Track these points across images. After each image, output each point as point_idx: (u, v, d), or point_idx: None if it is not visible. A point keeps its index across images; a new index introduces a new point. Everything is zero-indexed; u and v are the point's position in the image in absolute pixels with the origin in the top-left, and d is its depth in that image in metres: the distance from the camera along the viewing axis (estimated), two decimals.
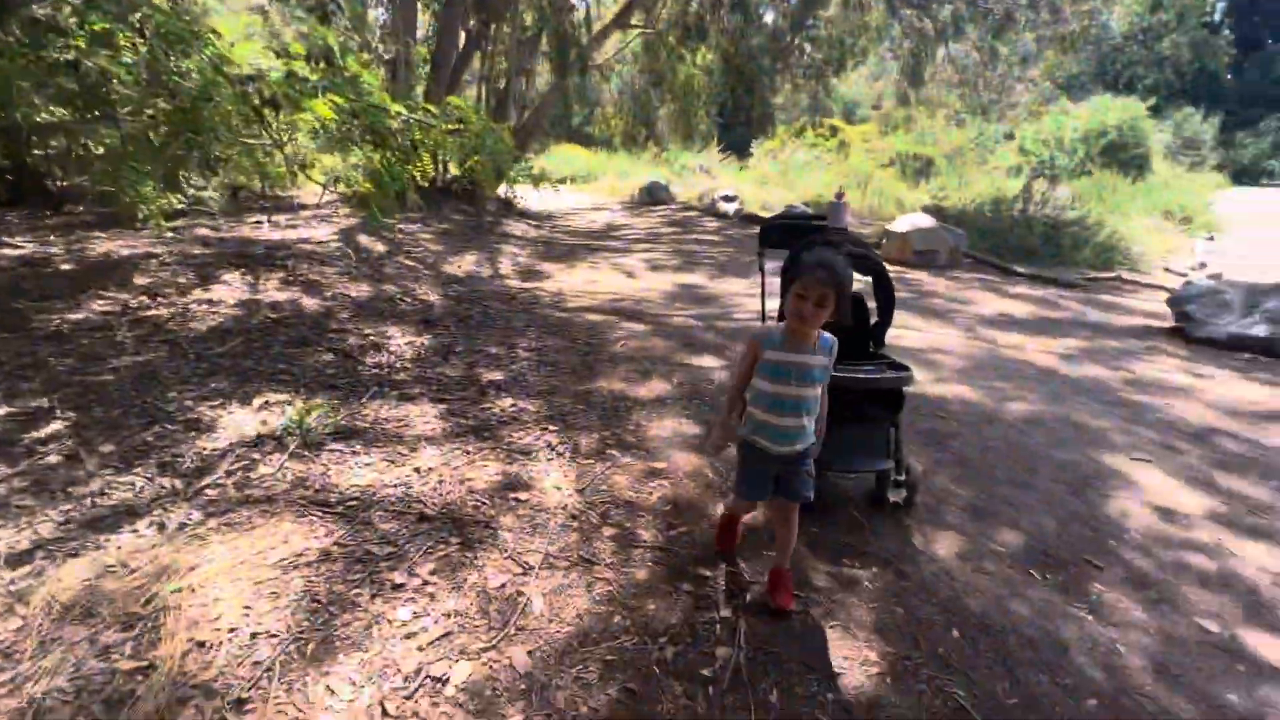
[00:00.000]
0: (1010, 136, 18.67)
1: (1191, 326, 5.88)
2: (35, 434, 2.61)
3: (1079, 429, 3.76)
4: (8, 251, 4.85)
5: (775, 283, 2.90)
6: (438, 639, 1.87)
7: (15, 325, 3.53)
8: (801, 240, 2.82)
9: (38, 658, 1.64)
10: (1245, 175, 34.07)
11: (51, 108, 4.61)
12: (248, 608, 1.89)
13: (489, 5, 9.04)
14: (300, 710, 1.60)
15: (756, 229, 4.23)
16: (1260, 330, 5.54)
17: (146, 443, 2.68)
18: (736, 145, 20.08)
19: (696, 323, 5.48)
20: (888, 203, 12.98)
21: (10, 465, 2.41)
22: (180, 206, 7.11)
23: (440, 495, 2.60)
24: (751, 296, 6.34)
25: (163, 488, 2.42)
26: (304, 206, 8.41)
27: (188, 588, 1.92)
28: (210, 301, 4.28)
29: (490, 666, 1.80)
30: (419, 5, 9.73)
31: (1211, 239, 12.76)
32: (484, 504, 2.58)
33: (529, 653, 1.86)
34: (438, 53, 8.38)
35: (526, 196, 11.58)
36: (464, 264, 6.89)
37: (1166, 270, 9.73)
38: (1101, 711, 1.79)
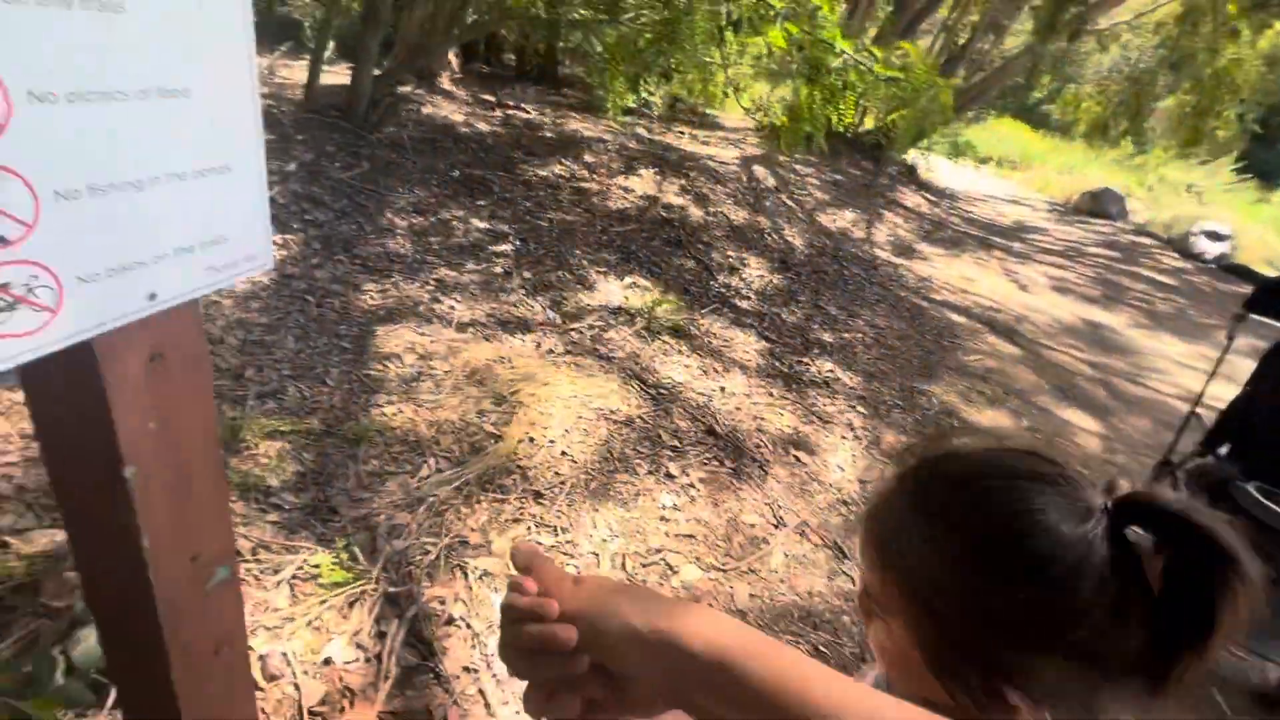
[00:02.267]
0: None
1: None
2: (494, 248, 3.57)
3: None
4: (520, 115, 6.50)
5: (1242, 365, 2.11)
6: (683, 535, 2.05)
7: (508, 168, 4.78)
8: None
9: (447, 396, 2.34)
10: None
11: (580, 10, 5.86)
12: (566, 430, 2.34)
13: None
14: (569, 525, 1.95)
15: (1245, 287, 3.05)
16: None
17: (550, 281, 3.43)
18: (1266, 168, 14.47)
19: (1086, 368, 4.39)
20: None
21: (476, 264, 3.36)
22: (633, 105, 8.51)
23: (732, 420, 2.74)
24: (1187, 367, 4.76)
25: (549, 318, 3.09)
26: (721, 127, 9.18)
27: (537, 396, 2.46)
28: (625, 189, 5.08)
29: (715, 584, 1.90)
30: None
31: None
32: (766, 447, 2.63)
33: (750, 595, 1.90)
34: None
35: (934, 168, 10.50)
36: (840, 220, 6.71)
37: None
38: None
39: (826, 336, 3.88)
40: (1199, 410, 2.33)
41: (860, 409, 3.14)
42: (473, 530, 1.82)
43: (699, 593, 1.86)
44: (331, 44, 5.38)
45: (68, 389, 0.59)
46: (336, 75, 5.60)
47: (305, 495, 1.76)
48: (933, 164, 10.34)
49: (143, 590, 0.74)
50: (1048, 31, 7.46)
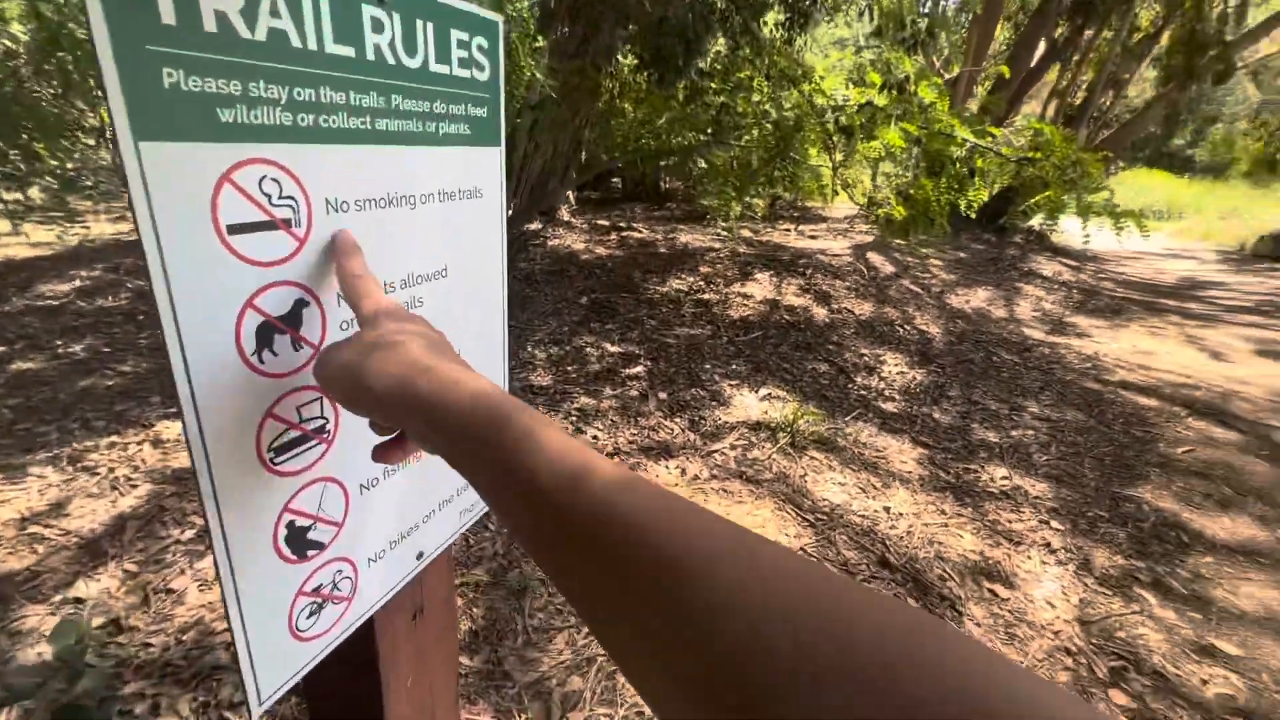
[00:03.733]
0: None
1: None
2: (627, 371, 3.64)
3: None
4: (634, 235, 6.90)
5: None
6: None
7: (630, 289, 4.99)
8: None
9: None
10: None
11: (685, 134, 6.29)
12: None
13: (1093, 7, 7.68)
14: None
15: None
16: None
17: (685, 400, 3.41)
18: None
19: None
20: None
21: (612, 388, 3.43)
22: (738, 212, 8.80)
23: (906, 547, 2.45)
24: None
25: (688, 440, 3.04)
26: (824, 218, 9.19)
27: None
28: (744, 295, 5.11)
29: None
30: (1000, 19, 9.06)
31: None
32: (953, 579, 2.31)
33: None
34: (1011, 67, 7.67)
35: (1066, 231, 9.73)
36: (973, 299, 6.28)
37: None
38: None
39: (991, 436, 3.48)
40: None
41: (1055, 524, 2.71)
42: None
43: None
44: None
45: (342, 662, 0.59)
46: None
47: (479, 657, 1.73)
48: (1062, 228, 9.61)
49: None
50: (1186, 78, 6.91)
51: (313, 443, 0.44)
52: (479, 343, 0.62)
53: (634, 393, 3.41)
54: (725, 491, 2.66)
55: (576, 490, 0.27)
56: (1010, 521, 2.70)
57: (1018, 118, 10.31)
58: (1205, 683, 1.95)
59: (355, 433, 0.48)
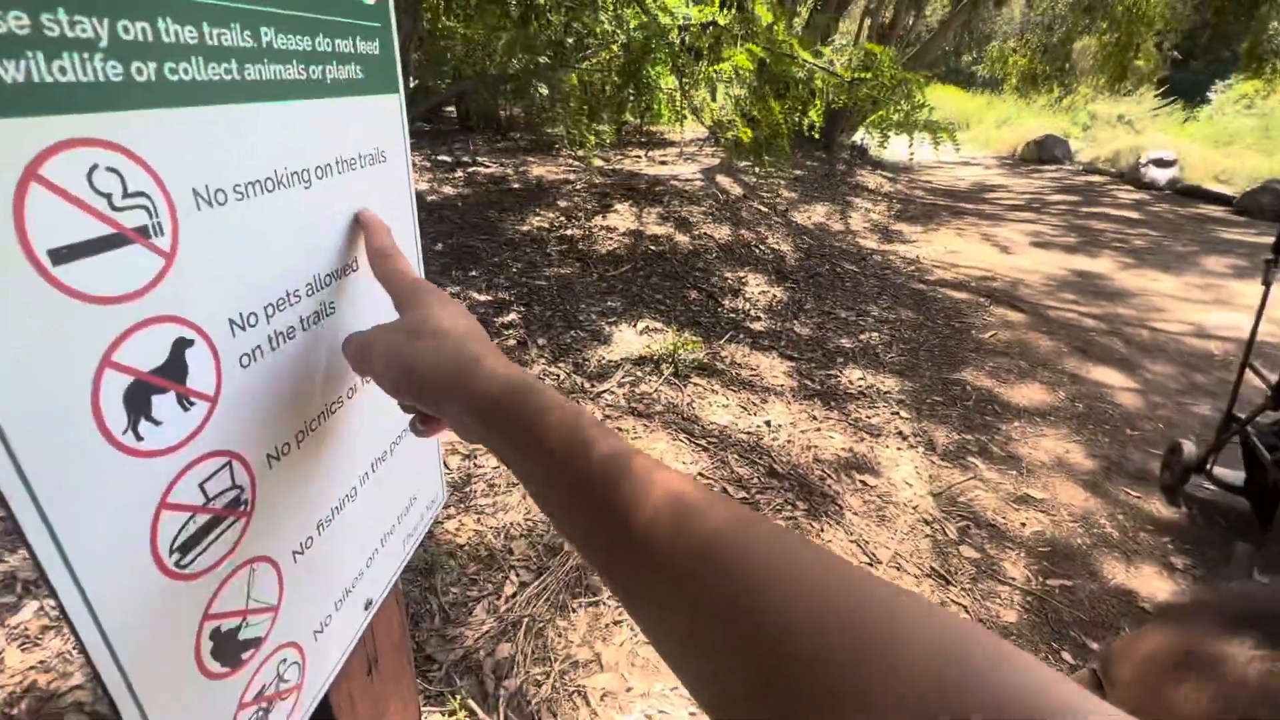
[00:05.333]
0: None
1: None
2: (500, 320, 3.46)
3: None
4: (482, 170, 6.42)
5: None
6: None
7: (489, 230, 4.68)
8: None
9: (503, 496, 2.22)
10: None
11: (523, 57, 5.83)
12: None
13: None
14: None
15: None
16: None
17: (565, 343, 3.33)
18: (1184, 89, 15.06)
19: (1094, 322, 4.43)
20: None
21: None
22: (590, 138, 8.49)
23: (788, 455, 2.66)
24: (1184, 300, 4.85)
25: (576, 383, 2.99)
26: (671, 143, 9.21)
27: None
28: (608, 228, 5.02)
29: None
30: None
31: None
32: (829, 476, 2.56)
33: None
34: None
35: (883, 145, 10.68)
36: (814, 215, 6.74)
37: None
38: None
39: (844, 342, 3.84)
40: (1258, 365, 2.33)
41: (903, 413, 3.09)
42: (578, 646, 1.71)
43: None
44: None
45: None
46: None
47: None
48: (876, 141, 10.53)
49: None
50: None
51: (228, 521, 0.33)
52: None
53: (512, 342, 3.26)
54: (619, 430, 2.68)
55: (587, 457, 0.32)
56: (869, 417, 3.04)
57: (834, 37, 10.89)
58: (1024, 525, 2.39)
59: (279, 487, 0.37)
